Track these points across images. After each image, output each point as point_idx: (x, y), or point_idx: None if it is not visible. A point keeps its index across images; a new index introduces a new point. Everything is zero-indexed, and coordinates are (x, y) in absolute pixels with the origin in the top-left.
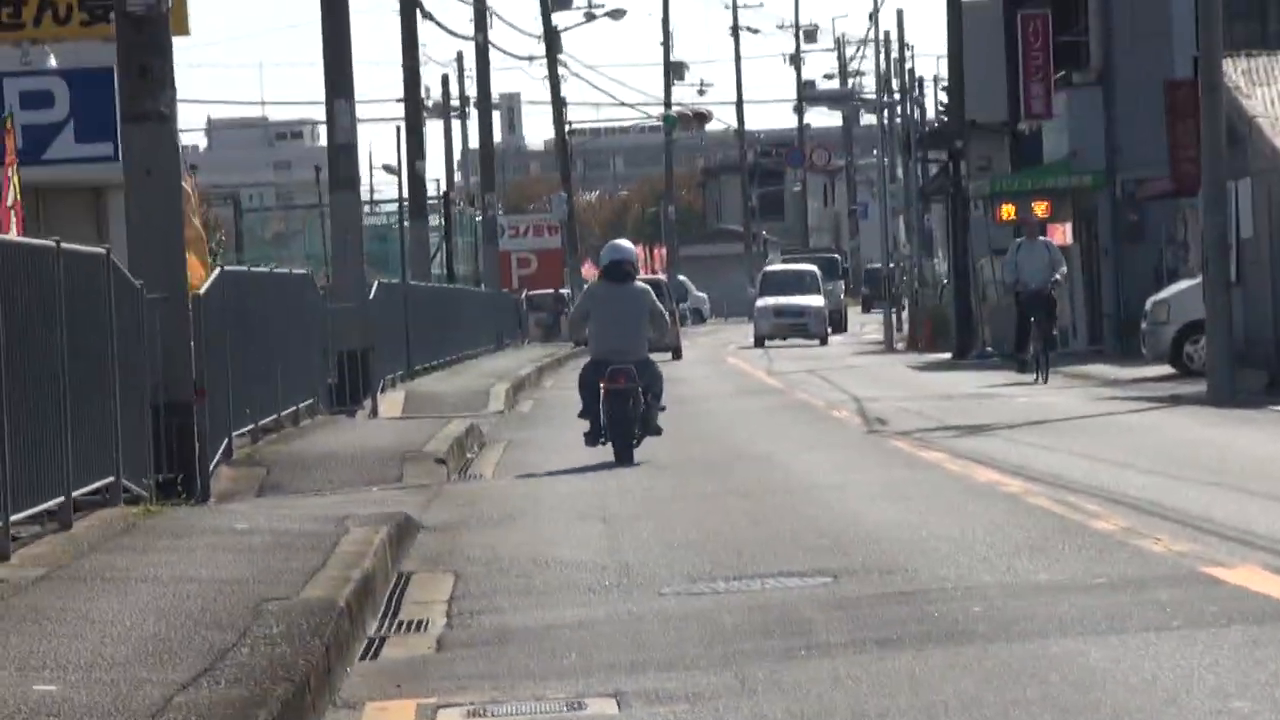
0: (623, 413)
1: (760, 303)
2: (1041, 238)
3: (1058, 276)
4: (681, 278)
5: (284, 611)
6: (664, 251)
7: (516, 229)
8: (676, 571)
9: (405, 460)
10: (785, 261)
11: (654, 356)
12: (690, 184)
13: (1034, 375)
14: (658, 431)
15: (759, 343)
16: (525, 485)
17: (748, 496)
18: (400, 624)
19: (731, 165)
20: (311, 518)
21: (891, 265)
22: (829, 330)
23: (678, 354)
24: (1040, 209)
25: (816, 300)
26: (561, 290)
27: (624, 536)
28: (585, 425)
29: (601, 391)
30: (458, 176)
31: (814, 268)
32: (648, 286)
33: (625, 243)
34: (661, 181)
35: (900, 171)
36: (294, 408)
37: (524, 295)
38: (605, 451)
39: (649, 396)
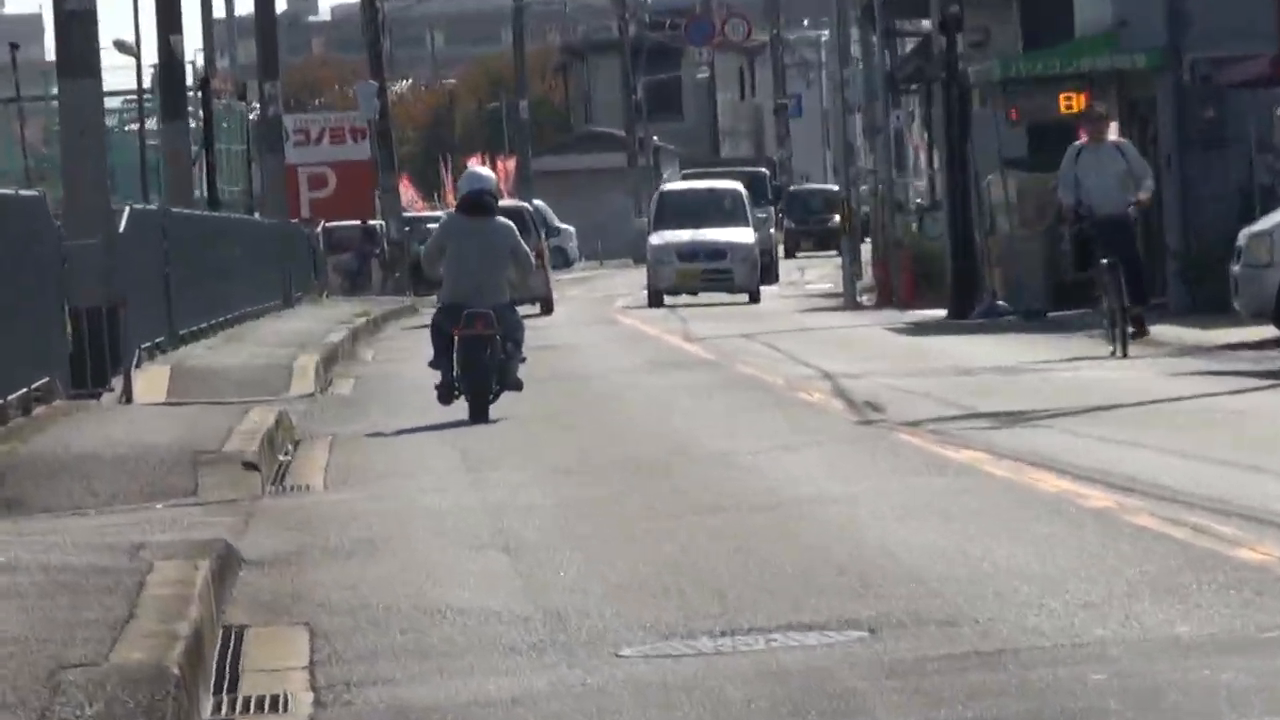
0: (479, 362)
1: (656, 239)
2: (1113, 139)
3: (1142, 195)
4: (537, 203)
5: (93, 684)
6: (511, 165)
7: (306, 133)
8: (634, 623)
9: (199, 464)
10: (690, 179)
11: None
12: (546, 68)
13: (1110, 346)
14: (518, 385)
15: (656, 300)
16: (380, 498)
17: (714, 514)
18: (246, 701)
19: (608, 42)
20: (91, 547)
21: (853, 186)
22: (759, 280)
23: (548, 307)
24: (1075, 103)
25: (743, 234)
26: (371, 222)
27: (543, 572)
28: (435, 393)
29: (455, 339)
30: (220, 59)
31: (738, 185)
32: (510, 223)
33: (485, 170)
34: (501, 64)
35: (857, 50)
36: (24, 390)
37: (320, 229)
38: (483, 428)
39: (508, 345)
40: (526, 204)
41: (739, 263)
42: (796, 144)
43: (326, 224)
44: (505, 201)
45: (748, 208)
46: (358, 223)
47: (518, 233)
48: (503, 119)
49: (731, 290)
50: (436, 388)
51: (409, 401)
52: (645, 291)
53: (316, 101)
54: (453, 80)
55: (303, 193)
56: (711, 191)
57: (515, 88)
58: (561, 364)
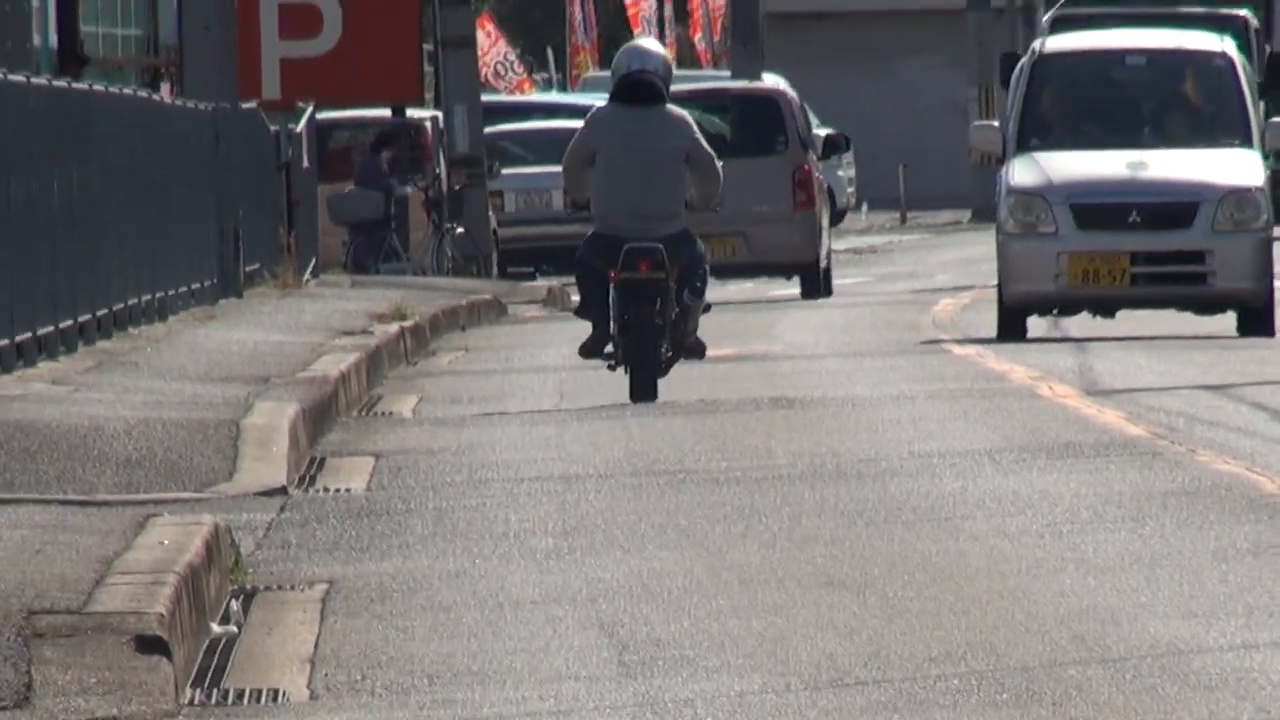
0: (644, 318)
1: (1023, 172)
2: None
3: None
4: (771, 81)
5: None
6: (714, 5)
7: None
8: None
9: (36, 638)
10: (1095, 24)
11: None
12: None
13: None
14: (699, 350)
15: (1012, 323)
16: None
17: None
18: None
19: None
20: None
21: None
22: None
23: (816, 282)
24: None
25: (1239, 167)
26: (418, 114)
27: None
28: (579, 349)
29: (611, 284)
30: None
31: (1220, 41)
32: (686, 115)
33: (651, 44)
34: None
35: None
36: None
37: (304, 125)
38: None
39: (685, 292)
40: (784, 87)
41: (1229, 237)
42: None
43: (318, 114)
44: (747, 83)
45: (1247, 96)
46: (385, 114)
47: (697, 128)
48: None
49: (1203, 304)
50: (583, 345)
51: (494, 508)
52: (989, 302)
53: None
54: None
55: (268, 43)
56: (1158, 58)
57: None
58: (825, 436)
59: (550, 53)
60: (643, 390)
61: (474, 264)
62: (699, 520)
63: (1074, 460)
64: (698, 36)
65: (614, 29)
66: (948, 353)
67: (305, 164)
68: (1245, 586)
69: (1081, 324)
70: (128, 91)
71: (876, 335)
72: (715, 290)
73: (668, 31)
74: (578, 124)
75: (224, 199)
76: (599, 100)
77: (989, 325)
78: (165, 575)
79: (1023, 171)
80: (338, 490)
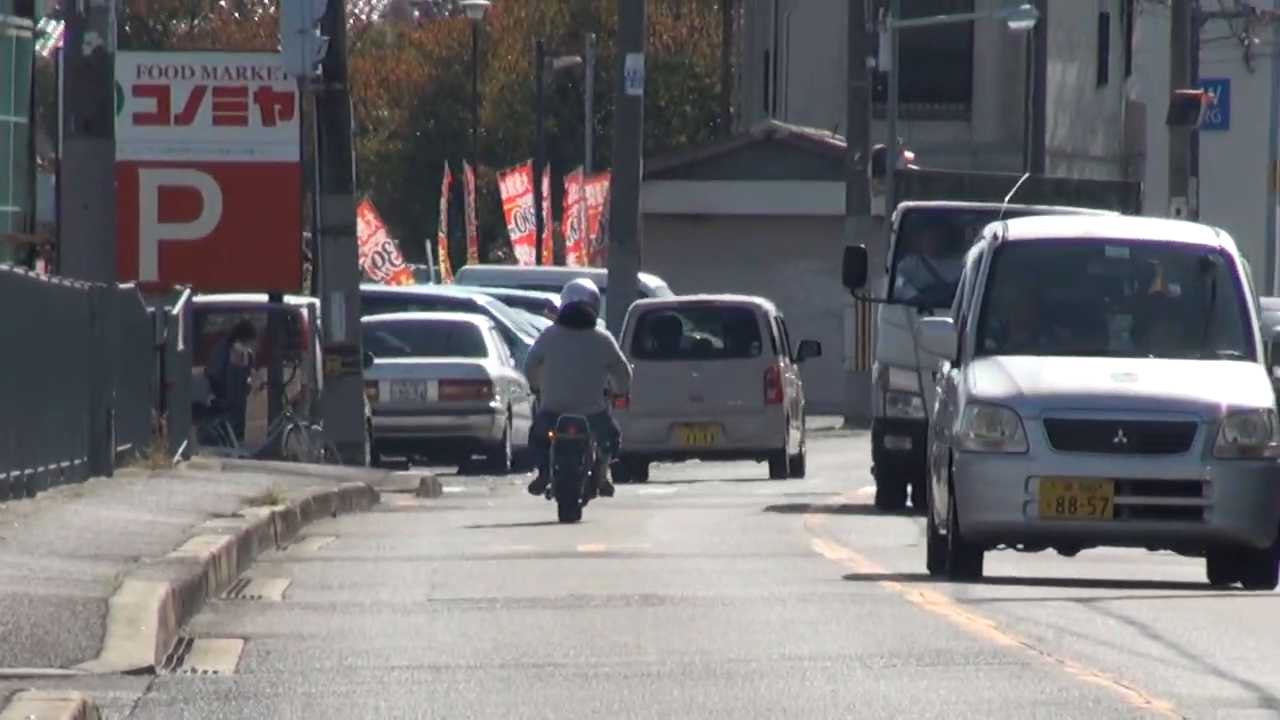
0: (570, 465)
1: (984, 383)
2: None
3: None
4: (649, 281)
5: None
6: (597, 195)
7: (163, 93)
8: None
9: None
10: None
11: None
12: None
13: None
14: (609, 490)
15: (965, 559)
16: None
17: None
18: None
19: None
20: None
21: None
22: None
23: (781, 464)
24: None
25: (1243, 383)
26: (295, 301)
27: None
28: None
29: (550, 443)
30: None
31: (1213, 235)
32: (609, 335)
33: (586, 282)
34: None
35: None
36: None
37: (181, 306)
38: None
39: (600, 450)
40: (759, 301)
41: (1231, 466)
42: (1214, 188)
43: (196, 298)
44: (731, 296)
45: (1249, 300)
46: (263, 299)
47: (616, 344)
48: (584, 94)
49: (1198, 544)
50: (531, 484)
51: (364, 695)
52: (928, 535)
53: (191, 26)
54: (484, 1)
55: (147, 224)
56: (1144, 251)
57: (619, 30)
58: (695, 635)
59: (429, 245)
60: (568, 514)
61: (346, 452)
62: (568, 714)
63: (944, 667)
64: (568, 232)
65: (492, 223)
66: (819, 556)
67: (180, 346)
68: None
69: (1020, 561)
70: (3, 268)
71: (747, 537)
72: (695, 470)
73: (545, 227)
74: (455, 316)
75: (98, 378)
76: (475, 292)
77: (863, 530)
78: None
79: (986, 379)
80: (206, 671)
